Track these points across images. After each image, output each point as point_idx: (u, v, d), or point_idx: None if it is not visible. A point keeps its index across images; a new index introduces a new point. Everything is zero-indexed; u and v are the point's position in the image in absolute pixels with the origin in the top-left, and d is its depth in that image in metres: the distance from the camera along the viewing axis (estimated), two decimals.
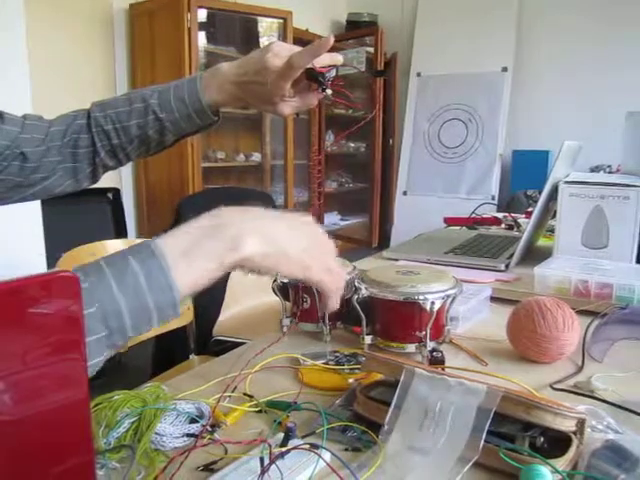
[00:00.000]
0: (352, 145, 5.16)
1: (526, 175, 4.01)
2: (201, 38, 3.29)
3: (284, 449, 0.52)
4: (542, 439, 0.53)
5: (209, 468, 0.54)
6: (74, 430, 0.38)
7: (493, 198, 4.28)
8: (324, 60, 0.73)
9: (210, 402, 0.65)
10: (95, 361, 0.43)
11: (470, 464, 0.51)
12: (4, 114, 0.73)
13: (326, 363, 0.77)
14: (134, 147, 0.78)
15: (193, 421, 0.60)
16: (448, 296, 0.78)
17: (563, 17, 4.31)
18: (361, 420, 0.61)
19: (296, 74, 0.72)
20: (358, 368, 0.75)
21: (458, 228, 1.83)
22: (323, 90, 0.74)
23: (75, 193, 0.82)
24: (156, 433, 0.57)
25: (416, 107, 4.74)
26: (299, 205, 4.23)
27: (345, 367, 0.76)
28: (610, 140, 3.61)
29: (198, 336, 1.55)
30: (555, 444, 0.53)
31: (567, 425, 0.52)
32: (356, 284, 0.83)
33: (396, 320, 0.80)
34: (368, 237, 4.79)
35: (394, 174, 4.90)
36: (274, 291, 0.91)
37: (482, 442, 0.52)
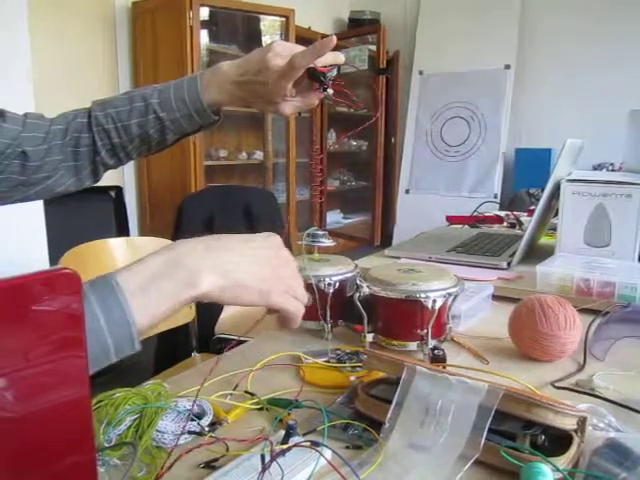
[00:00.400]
0: (354, 143, 5.16)
1: (528, 173, 4.00)
2: (203, 36, 3.29)
3: (285, 446, 0.52)
4: (543, 437, 0.53)
5: (210, 465, 0.54)
6: (75, 427, 0.38)
7: (495, 196, 4.27)
8: (327, 59, 0.72)
9: (212, 399, 0.65)
10: None
11: (471, 462, 0.51)
12: (5, 112, 0.72)
13: (327, 361, 0.77)
14: (135, 146, 0.78)
15: (195, 418, 0.60)
16: (450, 294, 0.78)
17: (566, 15, 4.30)
18: (362, 418, 0.61)
19: (298, 74, 0.72)
20: (359, 366, 0.75)
21: (460, 226, 1.83)
22: (324, 90, 0.74)
23: (78, 191, 0.82)
24: (157, 430, 0.57)
25: (418, 105, 4.73)
26: (301, 203, 4.23)
27: (346, 365, 0.76)
28: (613, 138, 3.60)
29: (200, 334, 1.55)
30: (556, 442, 0.53)
31: (568, 423, 0.52)
32: (358, 282, 0.83)
33: (398, 318, 0.80)
34: (370, 235, 4.78)
35: (396, 172, 4.89)
36: None
37: (483, 440, 0.52)
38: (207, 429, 0.60)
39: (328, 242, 0.86)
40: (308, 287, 0.86)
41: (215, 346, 1.59)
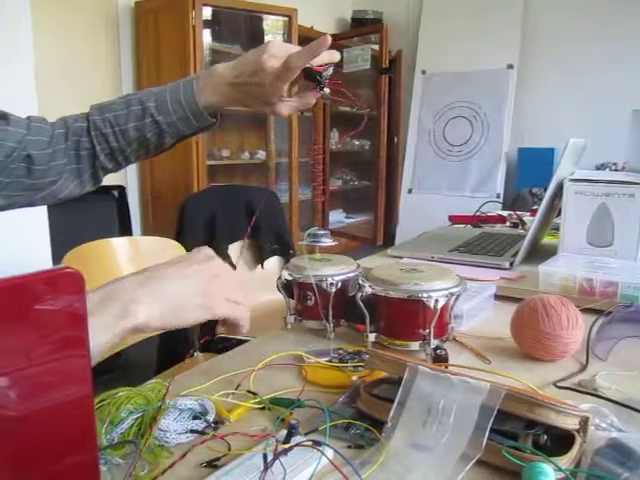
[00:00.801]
0: (357, 143, 5.15)
1: (531, 173, 4.00)
2: (206, 36, 3.29)
3: (287, 446, 0.52)
4: (545, 437, 0.52)
5: (212, 464, 0.54)
6: (78, 426, 0.38)
7: (498, 196, 4.26)
8: (322, 58, 0.72)
9: (214, 399, 0.65)
10: None
11: (473, 462, 0.51)
12: (9, 115, 0.72)
13: (330, 361, 0.77)
14: (133, 150, 0.78)
15: (197, 417, 0.61)
16: (452, 294, 0.78)
17: (569, 14, 4.29)
18: (364, 417, 0.61)
19: (294, 75, 0.71)
20: (362, 366, 0.75)
21: (463, 226, 1.83)
22: (321, 89, 0.73)
23: None
24: (160, 429, 0.57)
25: (421, 105, 4.72)
26: (303, 203, 4.23)
27: (349, 365, 0.76)
28: (615, 138, 3.60)
29: (202, 333, 1.55)
30: (558, 442, 0.53)
31: (570, 423, 0.52)
32: (360, 282, 0.83)
33: (400, 318, 0.80)
34: (373, 235, 4.78)
35: (399, 172, 4.89)
36: (278, 288, 0.91)
37: (485, 440, 0.52)
38: (212, 425, 0.60)
39: (329, 242, 0.86)
40: (310, 287, 0.86)
41: (217, 346, 1.59)
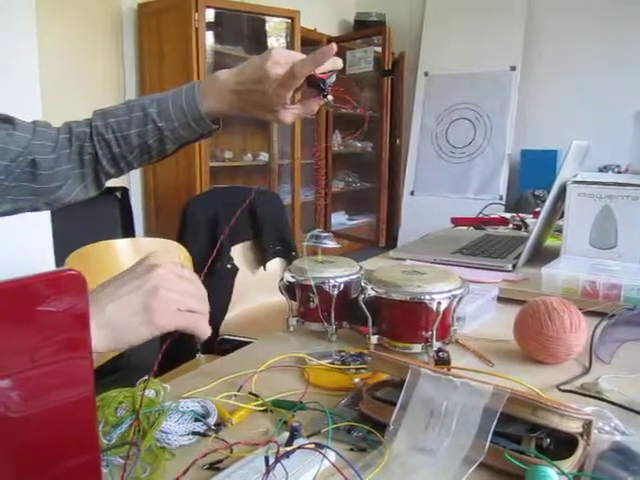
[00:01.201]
0: (359, 145, 5.15)
1: (534, 175, 3.99)
2: (209, 38, 3.29)
3: (289, 448, 0.52)
4: (548, 440, 0.52)
5: (214, 467, 0.54)
6: (80, 427, 0.38)
7: (501, 198, 4.25)
8: (326, 65, 0.71)
9: (216, 400, 0.65)
10: None
11: (476, 465, 0.51)
12: (15, 120, 0.72)
13: (332, 363, 0.77)
14: (135, 156, 0.78)
15: (199, 419, 0.60)
16: (454, 296, 0.78)
17: (572, 16, 4.28)
18: (366, 420, 0.61)
19: (298, 83, 0.70)
20: (364, 368, 0.75)
21: (465, 228, 1.82)
22: (324, 96, 0.73)
23: None
24: (161, 431, 0.57)
25: (423, 106, 4.72)
26: (306, 204, 4.23)
27: (351, 367, 0.76)
28: (619, 140, 3.59)
29: None
30: (561, 445, 0.52)
31: (574, 426, 0.52)
32: (362, 284, 0.83)
33: (402, 320, 0.80)
34: (375, 237, 4.77)
35: (401, 174, 4.89)
36: (280, 290, 0.91)
37: (488, 443, 0.51)
38: (214, 428, 0.60)
39: (331, 244, 0.86)
40: (312, 289, 0.86)
41: (219, 347, 1.59)
